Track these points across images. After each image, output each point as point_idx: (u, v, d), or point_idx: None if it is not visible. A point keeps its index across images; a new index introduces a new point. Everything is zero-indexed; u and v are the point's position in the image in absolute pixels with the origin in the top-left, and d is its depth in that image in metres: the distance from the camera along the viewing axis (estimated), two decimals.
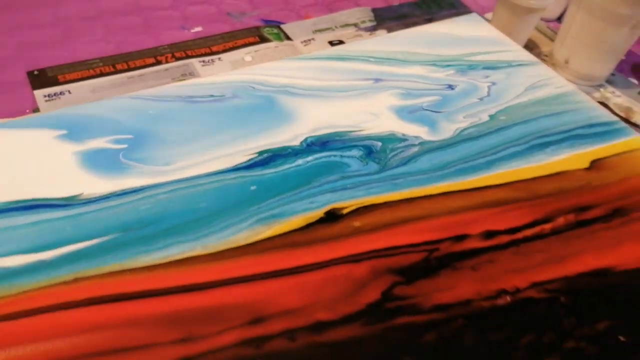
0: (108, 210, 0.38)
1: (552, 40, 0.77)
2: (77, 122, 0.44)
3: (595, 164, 0.48)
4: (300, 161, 0.44)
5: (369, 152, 0.46)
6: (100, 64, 0.65)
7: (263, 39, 0.70)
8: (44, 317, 0.32)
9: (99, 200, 0.38)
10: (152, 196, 0.39)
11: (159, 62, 0.64)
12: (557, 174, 0.47)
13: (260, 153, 0.44)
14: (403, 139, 0.47)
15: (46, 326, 0.32)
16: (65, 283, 0.34)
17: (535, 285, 0.39)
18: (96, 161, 0.41)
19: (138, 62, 0.66)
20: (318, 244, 0.39)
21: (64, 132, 0.42)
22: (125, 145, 0.42)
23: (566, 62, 0.72)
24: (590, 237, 0.42)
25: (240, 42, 0.71)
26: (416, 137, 0.47)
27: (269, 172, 0.43)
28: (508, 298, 0.38)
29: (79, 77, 0.61)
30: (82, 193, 0.39)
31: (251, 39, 0.72)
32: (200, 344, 0.33)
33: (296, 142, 0.45)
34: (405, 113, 0.50)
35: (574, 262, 0.40)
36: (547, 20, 0.82)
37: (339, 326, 0.35)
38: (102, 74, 0.60)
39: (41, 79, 0.62)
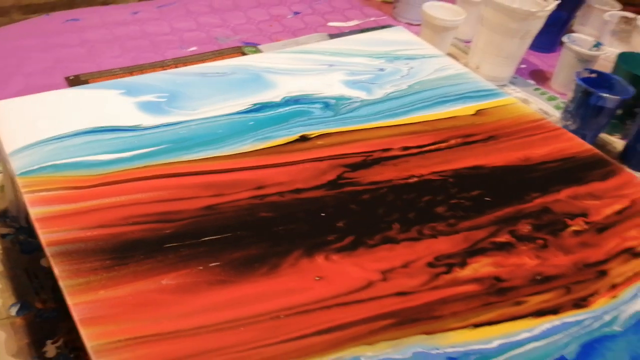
0: (161, 133, 0.59)
1: (466, 53, 1.02)
2: (131, 86, 0.65)
3: (479, 112, 0.71)
4: (281, 109, 0.65)
5: (327, 105, 0.67)
6: (120, 72, 0.86)
7: (244, 54, 0.92)
8: (129, 184, 0.52)
9: (153, 128, 0.59)
10: (187, 126, 0.60)
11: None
12: (452, 117, 0.69)
13: (254, 105, 0.65)
14: (349, 98, 0.69)
15: (134, 188, 0.51)
16: (138, 168, 0.54)
17: (433, 173, 0.60)
18: (147, 107, 0.62)
19: (149, 71, 0.86)
20: (295, 152, 0.60)
21: (124, 91, 0.63)
22: (164, 99, 0.63)
23: (477, 67, 0.97)
24: (471, 150, 0.64)
25: (226, 57, 0.93)
26: (358, 97, 0.70)
27: (260, 114, 0.64)
28: (415, 179, 0.59)
29: (105, 80, 0.81)
30: (142, 124, 0.59)
31: (235, 55, 0.94)
32: (226, 197, 0.53)
33: (278, 99, 0.67)
34: (350, 84, 0.72)
35: (460, 162, 0.62)
36: (464, 41, 1.07)
37: (310, 191, 0.55)
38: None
39: (75, 82, 0.82)
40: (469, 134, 0.68)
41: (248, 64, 0.74)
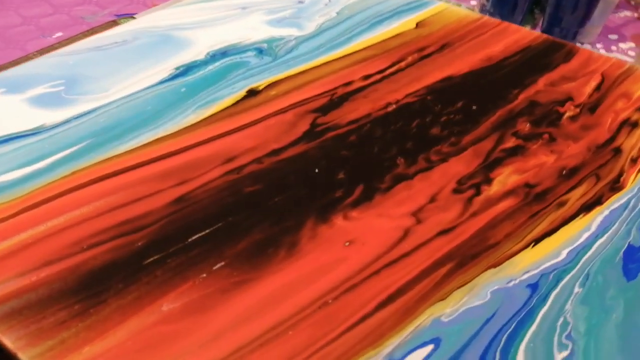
0: (74, 128, 0.45)
1: None
2: (11, 81, 0.50)
3: (420, 24, 0.64)
4: (210, 67, 0.54)
5: (260, 51, 0.57)
6: None
7: None
8: (62, 199, 0.38)
9: (62, 124, 0.45)
10: (105, 112, 0.47)
11: None
12: (396, 35, 0.62)
13: (177, 68, 0.53)
14: (281, 38, 0.59)
15: (72, 202, 0.38)
16: (64, 177, 0.40)
17: (408, 95, 0.53)
18: (43, 102, 0.47)
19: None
20: (250, 110, 0.49)
21: (3, 90, 0.48)
22: (62, 87, 0.49)
23: None
24: (432, 64, 0.58)
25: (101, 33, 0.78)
26: (290, 35, 0.60)
27: (189, 78, 0.52)
28: (394, 106, 0.52)
29: None
30: (45, 123, 0.45)
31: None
32: (194, 182, 0.41)
33: (202, 57, 0.55)
34: (275, 23, 0.62)
35: (428, 78, 0.56)
36: None
37: (288, 149, 0.46)
38: None
39: None
40: (422, 47, 0.61)
41: (148, 26, 0.60)
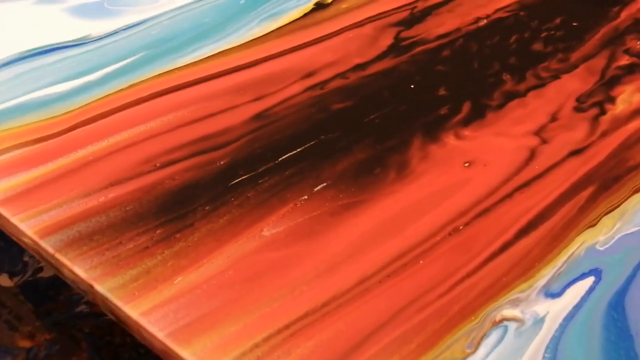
0: (124, 40, 0.38)
1: None
2: None
3: None
4: None
5: None
6: None
7: None
8: (123, 114, 0.32)
9: (109, 36, 0.38)
10: (157, 24, 0.40)
11: None
12: None
13: None
14: None
15: (132, 118, 0.32)
16: (121, 90, 0.34)
17: (498, 10, 0.46)
18: (84, 12, 0.40)
19: None
20: (322, 23, 0.43)
21: None
22: None
23: None
24: None
25: None
26: None
27: None
28: (484, 20, 0.45)
29: None
30: (90, 34, 0.38)
31: None
32: (272, 98, 0.35)
33: None
34: None
35: None
36: None
37: (375, 63, 0.39)
38: None
39: None
40: None
41: None
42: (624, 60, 0.43)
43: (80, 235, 0.26)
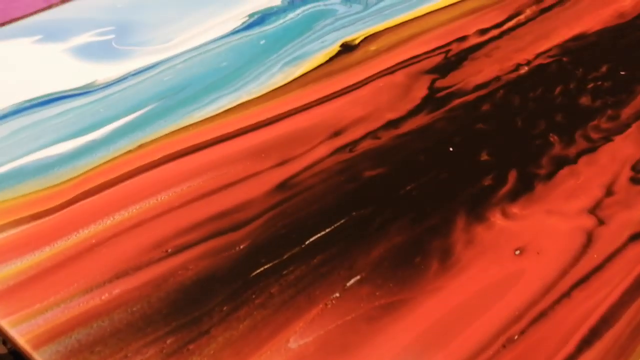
0: (133, 88, 0.35)
1: None
2: (45, 26, 0.39)
3: None
4: (291, 15, 0.43)
5: None
6: None
7: None
8: (131, 182, 0.29)
9: (118, 82, 0.35)
10: (170, 68, 0.37)
11: None
12: None
13: (251, 15, 0.42)
14: None
15: (141, 188, 0.29)
16: (131, 152, 0.30)
17: (539, 55, 0.43)
18: (90, 53, 0.37)
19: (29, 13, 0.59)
20: (349, 69, 0.39)
21: (39, 37, 0.37)
22: (112, 36, 0.39)
23: None
24: (556, 18, 0.48)
25: None
26: None
27: (268, 28, 0.42)
28: (525, 67, 0.42)
29: None
30: (96, 80, 0.35)
31: None
32: (297, 163, 0.32)
33: (278, 2, 0.45)
34: None
35: (556, 35, 0.45)
36: None
37: (408, 119, 0.36)
38: None
39: None
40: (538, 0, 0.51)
41: None
42: None
43: (79, 345, 0.22)
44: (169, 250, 0.26)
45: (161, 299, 0.24)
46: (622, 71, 0.43)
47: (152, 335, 0.23)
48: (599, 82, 0.41)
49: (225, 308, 0.24)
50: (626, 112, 0.39)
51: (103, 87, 0.35)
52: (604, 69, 0.43)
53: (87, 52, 0.37)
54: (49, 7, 0.47)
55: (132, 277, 0.25)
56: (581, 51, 0.45)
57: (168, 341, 0.23)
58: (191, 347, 0.23)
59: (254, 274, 0.26)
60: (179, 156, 0.31)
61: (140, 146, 0.31)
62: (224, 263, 0.26)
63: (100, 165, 0.30)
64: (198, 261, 0.26)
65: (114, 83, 0.35)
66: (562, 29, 0.47)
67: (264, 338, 0.23)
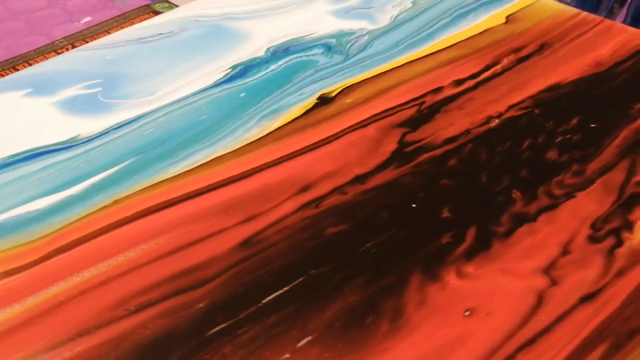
0: (114, 142, 0.37)
1: None
2: (36, 79, 0.41)
3: (510, 18, 0.55)
4: (272, 66, 0.45)
5: (329, 48, 0.48)
6: None
7: (157, 14, 0.69)
8: (102, 239, 0.31)
9: (100, 137, 0.37)
10: (151, 121, 0.39)
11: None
12: (484, 31, 0.53)
13: (233, 67, 0.44)
14: (351, 32, 0.50)
15: (111, 245, 0.30)
16: (106, 207, 0.32)
17: (511, 107, 0.44)
18: (76, 107, 0.39)
19: (40, 59, 0.62)
20: (324, 123, 0.41)
21: (29, 90, 0.40)
22: (99, 89, 0.41)
23: None
24: (533, 68, 0.49)
25: (136, 21, 0.70)
26: (362, 29, 0.51)
27: (249, 80, 0.44)
28: (496, 120, 0.43)
29: None
30: (79, 134, 0.37)
31: (145, 16, 0.71)
32: (263, 219, 0.33)
33: (261, 53, 0.47)
34: (342, 13, 0.53)
35: (531, 86, 0.46)
36: None
37: (376, 174, 0.37)
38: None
39: None
40: (517, 48, 0.52)
41: (196, 14, 0.51)
42: None
43: None
44: (131, 309, 0.28)
45: (119, 358, 0.26)
46: (592, 124, 0.44)
47: None
48: (568, 135, 0.42)
49: None
50: (592, 167, 0.40)
51: (85, 142, 0.37)
52: (574, 121, 0.44)
53: (73, 105, 0.39)
54: (41, 49, 0.49)
55: (94, 335, 0.26)
56: (554, 103, 0.46)
57: None
58: None
59: (209, 333, 0.27)
60: (151, 212, 0.32)
61: (116, 202, 0.33)
62: (181, 322, 0.27)
63: (75, 221, 0.32)
64: (157, 320, 0.27)
65: (96, 137, 0.37)
66: (538, 79, 0.48)
67: None
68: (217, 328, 0.27)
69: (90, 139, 0.37)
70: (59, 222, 0.31)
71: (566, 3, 0.76)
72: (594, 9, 0.75)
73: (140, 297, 0.28)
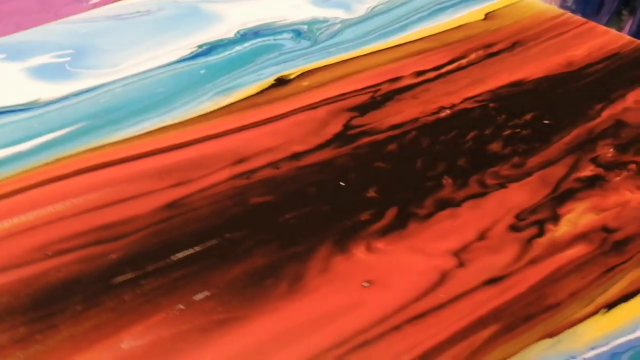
0: (70, 107, 0.39)
1: None
2: (15, 46, 0.44)
3: (489, 15, 0.55)
4: (238, 47, 0.47)
5: (299, 34, 0.50)
6: None
7: None
8: (38, 190, 0.33)
9: (58, 101, 0.40)
10: (109, 90, 0.41)
11: None
12: (459, 26, 0.53)
13: (200, 46, 0.47)
14: (325, 20, 0.52)
15: (44, 197, 0.33)
16: (48, 164, 0.35)
17: (467, 100, 0.45)
18: (44, 73, 0.42)
19: None
20: (275, 102, 0.42)
21: (3, 55, 0.43)
22: (68, 59, 0.44)
23: None
24: (500, 63, 0.49)
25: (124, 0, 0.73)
26: (336, 18, 0.52)
27: (212, 58, 0.46)
28: (447, 111, 0.43)
29: None
30: (40, 98, 0.40)
31: None
32: (193, 185, 0.35)
33: (230, 35, 0.48)
34: (320, 2, 0.54)
35: (493, 81, 0.47)
36: None
37: (313, 153, 0.38)
38: None
39: None
40: (489, 44, 0.53)
41: None
42: (587, 171, 0.40)
43: None
44: (50, 253, 0.30)
45: (29, 295, 0.28)
46: (546, 120, 0.44)
47: (9, 323, 0.27)
48: (517, 130, 0.43)
49: (78, 307, 0.28)
50: (533, 161, 0.40)
51: (44, 105, 0.39)
52: (528, 116, 0.44)
53: (41, 72, 0.42)
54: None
55: (10, 273, 0.28)
56: (512, 98, 0.46)
57: (20, 329, 0.26)
58: (38, 337, 0.26)
59: (115, 281, 0.29)
60: (88, 171, 0.35)
61: (58, 159, 0.35)
62: (92, 269, 0.29)
63: (18, 174, 0.34)
64: (71, 265, 0.29)
65: (55, 102, 0.40)
66: (502, 75, 0.49)
67: (101, 337, 0.26)
68: (124, 278, 0.29)
69: (49, 103, 0.39)
70: (3, 173, 0.34)
71: (567, 5, 0.76)
72: (595, 12, 0.74)
73: (59, 244, 0.30)
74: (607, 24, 0.76)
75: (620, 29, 0.82)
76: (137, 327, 0.27)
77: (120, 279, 0.29)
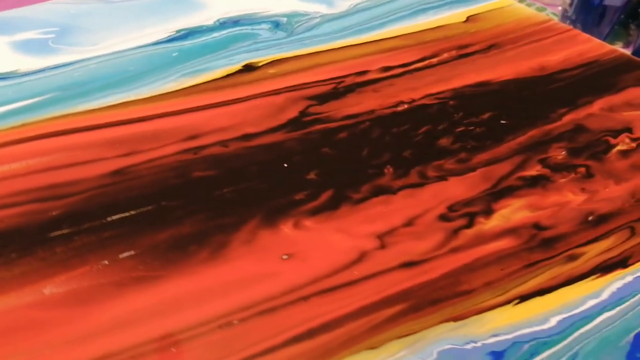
0: (44, 79, 0.42)
1: None
2: (3, 22, 0.48)
3: (471, 18, 0.56)
4: (215, 34, 0.49)
5: (277, 25, 0.52)
6: None
7: None
8: (0, 150, 0.36)
9: (35, 73, 0.42)
10: (84, 67, 0.44)
11: None
12: (439, 27, 0.54)
13: (178, 31, 0.49)
14: (305, 14, 0.54)
15: (5, 156, 0.35)
16: (13, 128, 0.37)
17: (427, 96, 0.46)
18: (28, 47, 0.45)
19: None
20: (240, 86, 0.44)
21: None
22: (52, 35, 0.46)
23: None
24: (471, 64, 0.50)
25: None
26: (317, 12, 0.54)
27: (187, 42, 0.48)
28: (405, 105, 0.45)
29: None
30: (19, 69, 0.43)
31: None
32: (143, 155, 0.37)
33: (210, 22, 0.51)
34: None
35: (459, 80, 0.48)
36: None
37: (264, 135, 0.40)
38: None
39: None
40: (464, 45, 0.53)
41: None
42: (533, 171, 0.40)
43: None
44: None
45: None
46: (503, 120, 0.44)
47: None
48: (471, 128, 0.43)
49: (13, 255, 0.30)
50: (480, 157, 0.41)
51: (21, 75, 0.42)
52: (486, 115, 0.45)
53: (24, 46, 0.45)
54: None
55: None
56: (475, 97, 0.47)
57: None
58: None
59: (50, 235, 0.31)
60: (47, 137, 0.37)
61: (23, 125, 0.38)
62: (31, 223, 0.32)
63: None
64: (12, 218, 0.32)
65: (31, 73, 0.43)
66: (469, 75, 0.49)
67: (27, 282, 0.29)
68: (59, 232, 0.31)
69: (27, 74, 0.42)
70: None
71: (568, 15, 0.76)
72: (596, 23, 0.74)
73: (7, 199, 0.33)
74: (608, 36, 0.76)
75: (628, 44, 0.81)
76: (61, 277, 0.29)
77: (56, 233, 0.31)
